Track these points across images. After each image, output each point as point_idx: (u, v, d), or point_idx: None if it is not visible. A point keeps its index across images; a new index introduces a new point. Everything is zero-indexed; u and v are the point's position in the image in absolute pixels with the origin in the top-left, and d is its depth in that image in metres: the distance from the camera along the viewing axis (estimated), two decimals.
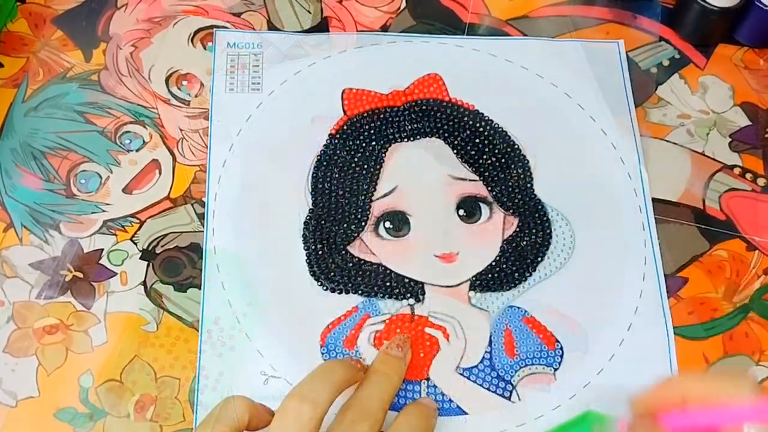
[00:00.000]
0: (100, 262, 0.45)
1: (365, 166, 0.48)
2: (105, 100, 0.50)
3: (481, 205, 0.47)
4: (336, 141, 0.49)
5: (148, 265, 0.45)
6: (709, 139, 0.52)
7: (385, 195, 0.47)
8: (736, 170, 0.51)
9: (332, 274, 0.45)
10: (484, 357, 0.43)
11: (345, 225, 0.46)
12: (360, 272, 0.45)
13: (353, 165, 0.48)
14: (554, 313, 0.45)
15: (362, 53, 0.52)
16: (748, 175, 0.50)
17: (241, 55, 0.51)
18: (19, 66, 0.51)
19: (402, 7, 0.55)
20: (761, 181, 0.50)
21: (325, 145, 0.48)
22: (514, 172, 0.48)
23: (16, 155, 0.48)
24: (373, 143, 0.49)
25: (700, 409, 0.35)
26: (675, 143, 0.51)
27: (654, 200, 0.49)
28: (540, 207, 0.48)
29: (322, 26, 0.54)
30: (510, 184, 0.48)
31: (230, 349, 0.42)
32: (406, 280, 0.45)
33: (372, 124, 0.49)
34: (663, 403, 0.37)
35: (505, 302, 0.45)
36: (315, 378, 0.36)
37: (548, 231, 0.47)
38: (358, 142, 0.49)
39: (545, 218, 0.47)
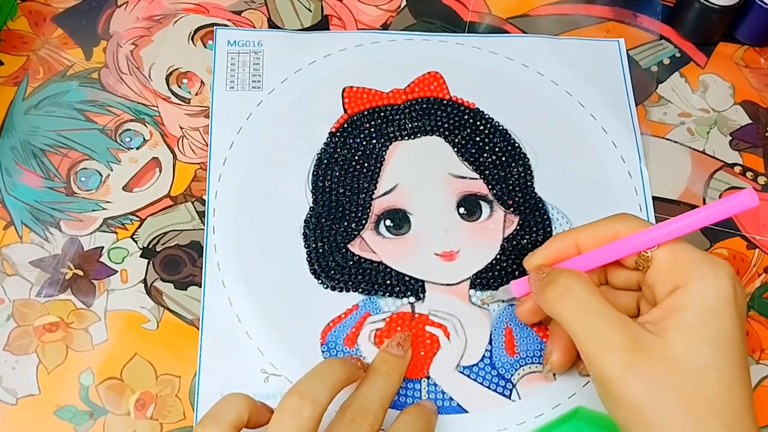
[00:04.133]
0: (101, 260, 0.45)
1: (366, 165, 0.48)
2: (105, 98, 0.50)
3: (482, 203, 0.47)
4: (336, 139, 0.49)
5: (148, 263, 0.45)
6: (709, 137, 0.52)
7: (386, 193, 0.47)
8: (737, 169, 0.51)
9: (333, 272, 0.45)
10: (484, 355, 0.43)
11: (345, 223, 0.46)
12: (360, 270, 0.45)
13: (354, 163, 0.48)
14: None
15: (362, 51, 0.52)
16: (749, 174, 0.50)
17: (242, 53, 0.51)
18: (19, 64, 0.51)
19: (402, 6, 0.55)
20: (762, 180, 0.50)
21: (325, 143, 0.48)
22: (515, 170, 0.48)
23: (17, 153, 0.48)
24: (374, 141, 0.49)
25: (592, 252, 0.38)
26: (675, 142, 0.51)
27: (654, 198, 0.49)
28: (540, 205, 0.48)
29: (322, 24, 0.54)
30: (510, 182, 0.48)
31: (230, 347, 0.42)
32: (407, 278, 0.45)
33: (372, 123, 0.49)
34: (558, 254, 0.39)
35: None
36: (315, 376, 0.36)
37: (549, 229, 0.47)
38: (358, 140, 0.49)
39: (546, 216, 0.47)
